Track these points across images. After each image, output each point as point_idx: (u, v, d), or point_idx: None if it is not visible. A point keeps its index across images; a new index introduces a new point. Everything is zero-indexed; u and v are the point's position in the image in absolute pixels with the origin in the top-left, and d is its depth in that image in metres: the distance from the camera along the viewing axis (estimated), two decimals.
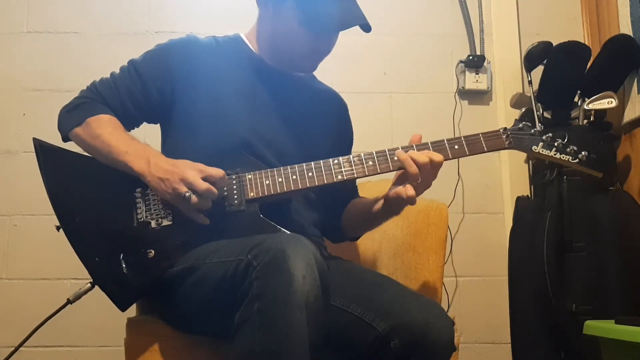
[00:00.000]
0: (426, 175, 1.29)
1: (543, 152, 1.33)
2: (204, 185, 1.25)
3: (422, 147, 1.33)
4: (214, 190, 1.26)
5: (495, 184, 2.46)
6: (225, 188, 1.31)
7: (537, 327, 1.98)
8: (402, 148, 1.33)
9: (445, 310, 1.31)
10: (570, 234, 1.97)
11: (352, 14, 1.39)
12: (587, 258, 1.95)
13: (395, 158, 1.32)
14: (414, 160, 1.28)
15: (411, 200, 1.30)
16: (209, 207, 1.27)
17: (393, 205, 1.37)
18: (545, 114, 2.23)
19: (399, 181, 1.34)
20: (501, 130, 1.35)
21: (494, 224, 2.43)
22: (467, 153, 1.34)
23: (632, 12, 2.14)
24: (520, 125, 1.35)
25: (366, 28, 1.40)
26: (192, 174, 1.26)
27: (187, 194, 1.25)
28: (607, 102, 2.03)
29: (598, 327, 1.61)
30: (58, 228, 1.27)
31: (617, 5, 2.24)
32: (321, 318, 1.07)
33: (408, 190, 1.28)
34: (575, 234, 1.98)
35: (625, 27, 2.17)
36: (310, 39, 1.40)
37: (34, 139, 1.34)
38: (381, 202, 1.40)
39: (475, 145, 1.33)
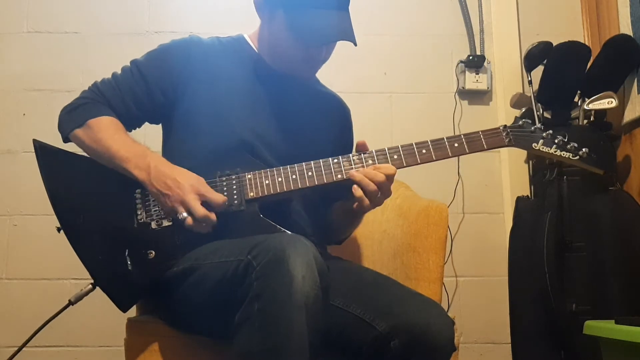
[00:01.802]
0: (385, 188, 1.30)
1: (543, 150, 1.33)
2: (202, 212, 1.24)
3: (368, 156, 1.33)
4: (212, 217, 1.25)
5: (495, 184, 2.46)
6: (225, 189, 1.31)
7: (537, 327, 1.98)
8: (355, 156, 1.34)
9: (445, 310, 1.31)
10: (570, 234, 1.97)
11: (338, 28, 1.37)
12: (587, 258, 1.95)
13: (395, 157, 1.33)
14: (371, 179, 1.29)
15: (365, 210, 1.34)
16: (206, 231, 1.27)
17: (357, 214, 1.42)
18: (545, 114, 2.23)
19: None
20: (501, 127, 1.36)
21: (494, 224, 2.43)
22: (467, 151, 1.34)
23: (632, 12, 2.14)
24: (521, 122, 1.35)
25: (353, 43, 1.38)
26: (191, 198, 1.25)
27: (182, 216, 1.25)
28: (607, 102, 2.03)
29: (598, 327, 1.61)
30: (59, 229, 1.27)
31: (617, 5, 2.24)
32: (321, 318, 1.07)
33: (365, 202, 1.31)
34: (575, 234, 1.98)
35: (625, 27, 2.17)
36: (301, 49, 1.39)
37: (34, 141, 1.34)
38: (345, 209, 1.42)
39: (475, 143, 1.34)
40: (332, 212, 1.52)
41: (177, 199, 1.25)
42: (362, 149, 1.35)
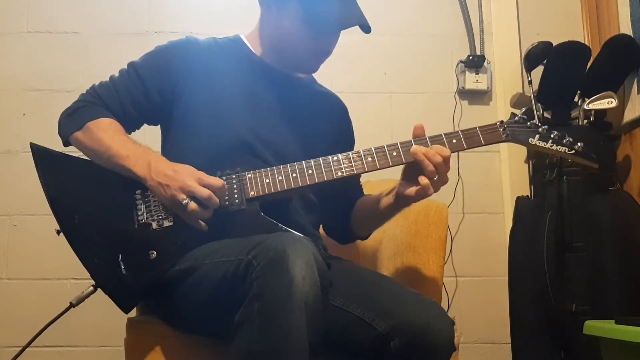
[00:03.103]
0: (442, 170, 1.30)
1: (539, 144, 1.33)
2: (206, 191, 1.25)
3: (420, 141, 1.34)
4: (215, 198, 1.26)
5: (495, 184, 2.46)
6: (225, 189, 1.31)
7: (537, 327, 1.98)
8: (414, 141, 1.33)
9: (445, 310, 1.31)
10: (570, 234, 1.97)
11: (353, 13, 1.40)
12: (587, 258, 1.95)
13: (394, 154, 1.33)
14: (430, 160, 1.29)
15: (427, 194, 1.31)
16: (209, 217, 1.27)
17: (408, 200, 1.37)
18: (545, 114, 2.23)
19: (407, 176, 1.35)
20: (498, 123, 1.36)
21: (494, 224, 2.43)
22: (465, 147, 1.34)
23: (632, 12, 2.14)
24: (517, 118, 1.36)
25: (366, 29, 1.41)
26: (192, 182, 1.25)
27: (185, 201, 1.24)
28: (607, 102, 2.03)
29: (598, 327, 1.61)
30: (59, 232, 1.27)
31: (617, 5, 2.24)
32: (321, 318, 1.07)
33: (427, 188, 1.29)
34: (575, 234, 1.98)
35: (625, 27, 2.17)
36: (312, 38, 1.40)
37: (32, 144, 1.33)
38: (391, 198, 1.40)
39: (472, 139, 1.34)
40: (358, 208, 1.52)
41: (177, 186, 1.25)
42: (419, 132, 1.35)
